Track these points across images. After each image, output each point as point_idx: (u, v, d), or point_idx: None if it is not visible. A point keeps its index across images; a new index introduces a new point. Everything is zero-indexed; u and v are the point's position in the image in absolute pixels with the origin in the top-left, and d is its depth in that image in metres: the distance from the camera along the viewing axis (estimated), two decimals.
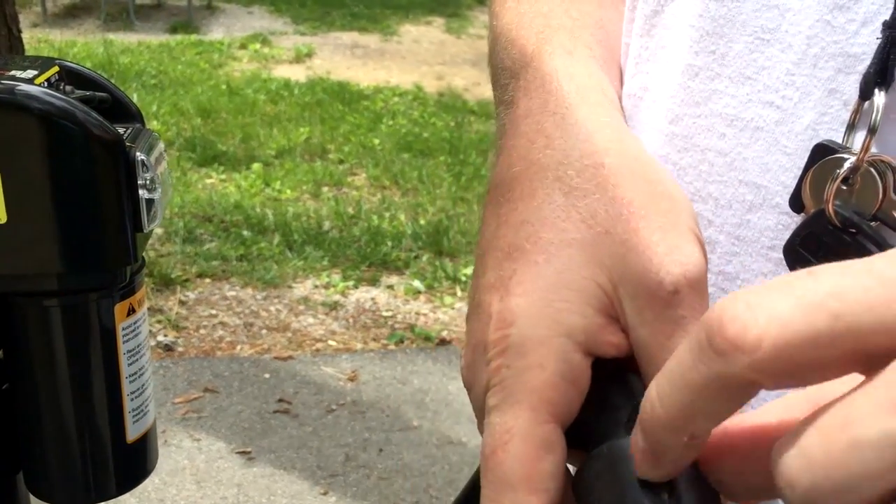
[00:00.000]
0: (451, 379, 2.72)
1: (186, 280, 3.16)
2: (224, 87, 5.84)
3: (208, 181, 4.17)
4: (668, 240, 0.34)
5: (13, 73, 0.49)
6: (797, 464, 0.22)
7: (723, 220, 0.42)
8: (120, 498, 0.49)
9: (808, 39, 0.38)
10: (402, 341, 2.91)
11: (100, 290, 0.50)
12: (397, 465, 2.33)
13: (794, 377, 0.23)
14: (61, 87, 0.51)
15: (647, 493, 0.27)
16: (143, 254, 0.52)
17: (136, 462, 0.56)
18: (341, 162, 4.54)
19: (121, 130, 0.50)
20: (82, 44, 6.83)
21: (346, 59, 7.04)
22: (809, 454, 0.22)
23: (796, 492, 0.22)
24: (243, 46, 7.18)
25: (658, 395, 0.25)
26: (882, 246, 0.36)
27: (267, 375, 2.66)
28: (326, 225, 3.72)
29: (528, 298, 0.34)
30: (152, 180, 0.51)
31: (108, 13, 7.96)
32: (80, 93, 0.51)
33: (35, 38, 6.65)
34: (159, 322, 2.88)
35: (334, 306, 3.10)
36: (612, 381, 0.33)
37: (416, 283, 3.27)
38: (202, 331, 2.87)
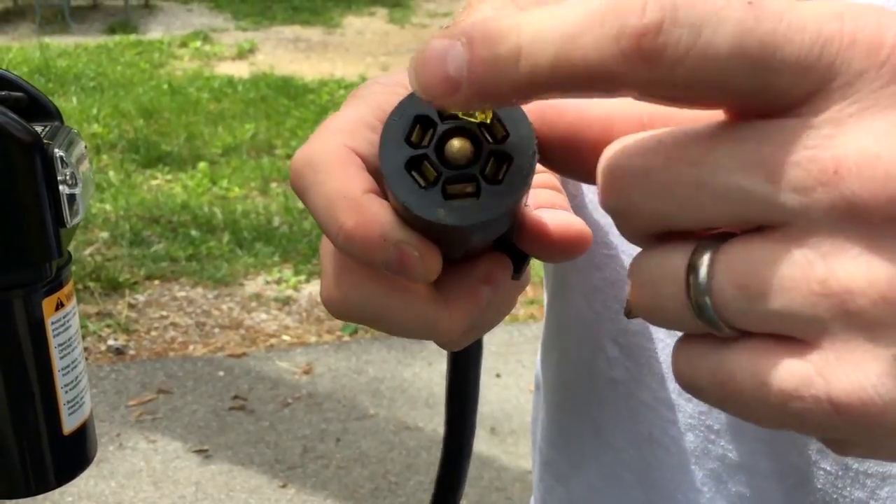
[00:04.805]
0: (406, 366, 2.74)
1: (135, 283, 3.14)
2: (166, 86, 5.76)
3: (154, 182, 4.12)
4: None
5: None
6: (621, 169, 0.23)
7: None
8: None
9: None
10: (356, 332, 2.92)
11: (26, 286, 0.51)
12: (355, 454, 2.35)
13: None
14: None
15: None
16: (69, 248, 0.53)
17: (73, 453, 0.57)
18: (289, 157, 4.53)
19: (38, 129, 0.51)
20: (17, 49, 6.68)
21: (289, 53, 6.99)
22: (649, 172, 0.23)
23: (606, 199, 0.24)
24: (184, 45, 7.09)
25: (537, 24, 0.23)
26: None
27: (221, 373, 2.66)
28: (276, 221, 3.71)
29: (385, 77, 0.37)
30: (72, 176, 0.52)
31: (43, 16, 7.80)
32: None
33: None
34: (108, 326, 2.86)
35: (287, 301, 3.10)
36: None
37: None
38: (153, 333, 2.85)
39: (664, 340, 0.45)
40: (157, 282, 3.17)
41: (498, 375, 2.68)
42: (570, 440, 0.53)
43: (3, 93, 0.53)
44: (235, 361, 2.73)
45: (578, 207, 0.48)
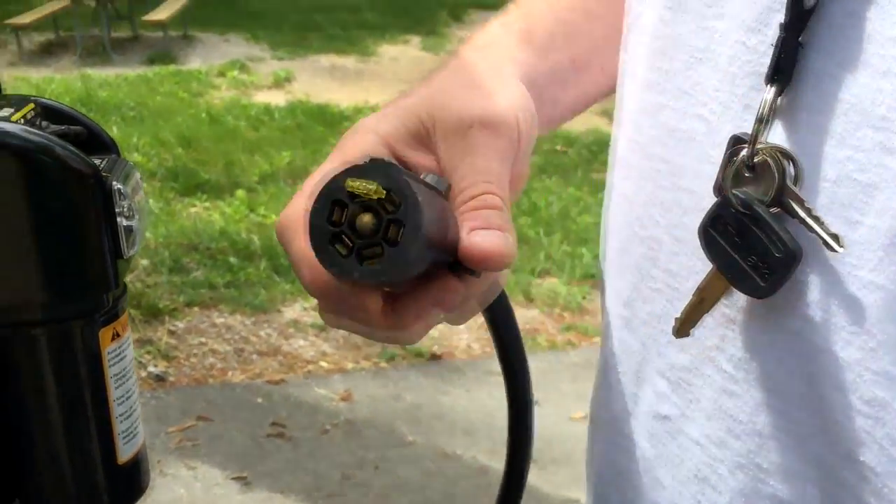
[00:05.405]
0: (443, 393, 2.73)
1: (175, 310, 3.17)
2: (204, 115, 5.85)
3: (192, 210, 4.18)
4: (482, 101, 0.45)
5: None
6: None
7: (667, 222, 0.46)
8: None
9: (729, 59, 0.42)
10: (393, 358, 2.92)
11: (84, 316, 0.52)
12: (394, 482, 2.34)
13: None
14: (38, 123, 0.53)
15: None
16: (125, 280, 0.54)
17: (128, 483, 0.57)
18: None
19: (97, 161, 0.52)
20: (60, 80, 6.83)
21: (324, 81, 7.07)
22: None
23: None
24: (222, 74, 7.21)
25: None
26: (765, 229, 0.39)
27: (260, 400, 2.67)
28: None
29: (370, 118, 0.46)
30: (129, 208, 0.52)
31: (85, 48, 7.98)
32: (56, 127, 0.53)
33: (12, 77, 6.65)
34: (149, 353, 2.88)
35: (324, 327, 3.11)
36: None
37: None
38: (193, 359, 2.88)
39: (712, 377, 0.45)
40: (196, 308, 3.20)
41: (537, 403, 2.66)
42: (621, 475, 0.53)
43: (64, 127, 0.54)
44: (274, 388, 2.74)
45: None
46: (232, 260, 3.56)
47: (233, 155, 4.96)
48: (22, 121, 0.51)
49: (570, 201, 4.34)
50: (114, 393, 0.54)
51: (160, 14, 8.37)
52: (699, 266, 0.44)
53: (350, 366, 2.88)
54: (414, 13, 10.92)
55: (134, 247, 0.52)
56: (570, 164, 4.99)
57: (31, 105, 0.54)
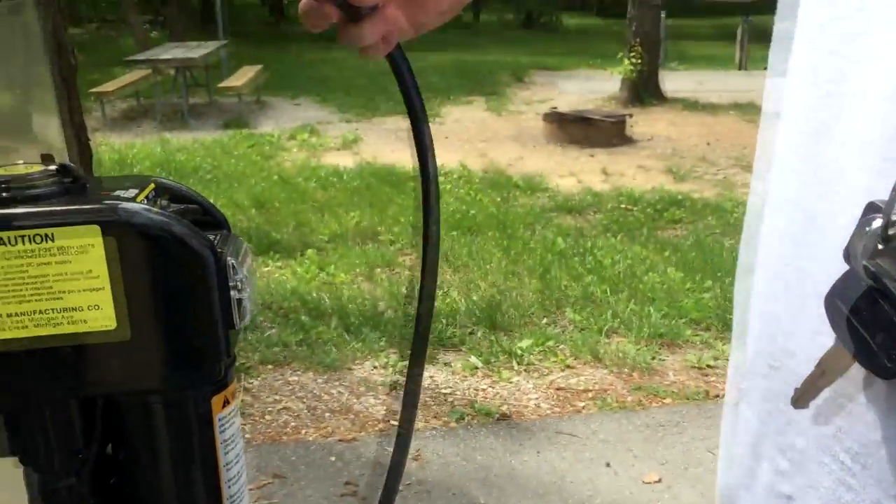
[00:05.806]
0: (513, 454, 2.71)
1: (249, 367, 3.23)
2: (276, 177, 6.02)
3: (265, 269, 4.27)
4: None
5: (117, 192, 0.54)
6: None
7: (787, 300, 0.45)
8: None
9: (857, 137, 0.40)
10: (462, 418, 2.91)
11: (198, 385, 0.54)
12: None
13: None
14: (158, 203, 0.56)
15: None
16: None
17: None
18: (392, 243, 4.63)
19: (211, 237, 0.55)
20: (141, 145, 7.11)
21: (391, 143, 7.21)
22: None
23: None
24: (292, 137, 7.42)
25: None
26: None
27: (332, 458, 2.68)
28: (381, 306, 3.78)
29: None
30: (241, 281, 0.55)
31: (164, 114, 8.31)
32: (175, 206, 0.57)
33: (97, 142, 6.95)
34: None
35: (394, 386, 3.12)
36: None
37: (473, 359, 3.29)
38: (268, 417, 2.92)
39: (830, 465, 0.44)
40: (270, 366, 3.25)
41: (608, 465, 2.62)
42: None
43: (183, 206, 0.57)
44: (346, 446, 2.75)
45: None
46: (304, 318, 3.62)
47: (303, 216, 5.07)
48: (145, 201, 0.54)
49: (635, 260, 4.31)
50: (223, 458, 0.56)
51: (235, 81, 8.69)
52: (815, 352, 0.43)
53: (420, 425, 2.88)
54: (477, 75, 11.09)
55: (245, 317, 0.55)
56: (636, 223, 4.97)
57: (152, 185, 0.58)
